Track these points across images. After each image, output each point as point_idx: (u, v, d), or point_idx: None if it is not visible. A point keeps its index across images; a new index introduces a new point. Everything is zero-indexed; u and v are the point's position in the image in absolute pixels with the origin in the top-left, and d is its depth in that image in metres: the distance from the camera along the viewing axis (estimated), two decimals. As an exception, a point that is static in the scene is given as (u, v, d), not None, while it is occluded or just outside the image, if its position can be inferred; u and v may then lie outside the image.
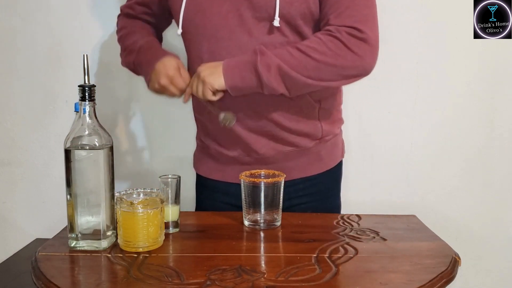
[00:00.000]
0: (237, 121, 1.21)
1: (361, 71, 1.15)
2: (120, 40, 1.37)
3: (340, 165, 1.41)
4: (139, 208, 1.00)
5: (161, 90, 1.22)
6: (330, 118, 1.31)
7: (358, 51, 1.11)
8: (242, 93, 1.16)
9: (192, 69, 1.27)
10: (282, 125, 1.24)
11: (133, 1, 1.36)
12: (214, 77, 1.14)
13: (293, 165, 1.29)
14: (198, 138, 1.40)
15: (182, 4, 1.20)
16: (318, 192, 1.35)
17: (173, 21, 1.34)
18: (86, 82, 1.03)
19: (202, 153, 1.39)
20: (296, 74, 1.11)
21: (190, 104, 1.56)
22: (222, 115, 1.18)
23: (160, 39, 1.42)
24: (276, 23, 1.15)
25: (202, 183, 1.40)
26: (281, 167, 1.23)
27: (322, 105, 1.27)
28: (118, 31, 1.39)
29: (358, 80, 1.19)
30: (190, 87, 1.19)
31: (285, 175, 1.16)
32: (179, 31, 1.24)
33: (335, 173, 1.40)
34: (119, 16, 1.42)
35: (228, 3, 1.18)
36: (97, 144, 1.02)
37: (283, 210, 1.19)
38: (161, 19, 1.38)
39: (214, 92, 1.16)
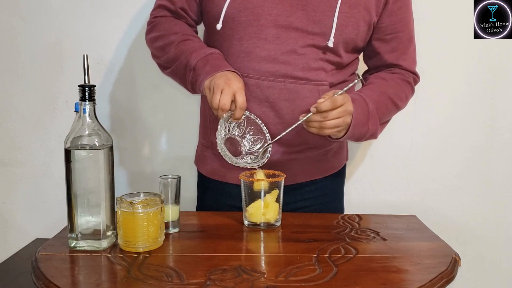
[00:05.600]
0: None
1: None
2: (166, 22, 1.26)
3: (345, 167, 1.41)
4: (139, 208, 1.00)
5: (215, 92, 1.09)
6: None
7: (414, 91, 1.32)
8: None
9: None
10: (313, 138, 1.22)
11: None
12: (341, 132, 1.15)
13: (301, 168, 1.28)
14: (202, 136, 1.36)
15: None
16: (324, 195, 1.34)
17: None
18: (86, 82, 1.03)
19: (206, 152, 1.34)
20: (385, 121, 1.27)
21: (189, 104, 1.57)
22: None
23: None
24: (331, 43, 1.16)
25: (204, 183, 1.38)
26: (288, 171, 1.21)
27: None
28: (159, 17, 1.28)
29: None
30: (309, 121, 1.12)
31: (285, 175, 1.16)
32: (219, 26, 1.18)
33: (340, 175, 1.39)
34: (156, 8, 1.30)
35: (280, 5, 1.16)
36: (97, 144, 1.02)
37: (288, 212, 1.18)
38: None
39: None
